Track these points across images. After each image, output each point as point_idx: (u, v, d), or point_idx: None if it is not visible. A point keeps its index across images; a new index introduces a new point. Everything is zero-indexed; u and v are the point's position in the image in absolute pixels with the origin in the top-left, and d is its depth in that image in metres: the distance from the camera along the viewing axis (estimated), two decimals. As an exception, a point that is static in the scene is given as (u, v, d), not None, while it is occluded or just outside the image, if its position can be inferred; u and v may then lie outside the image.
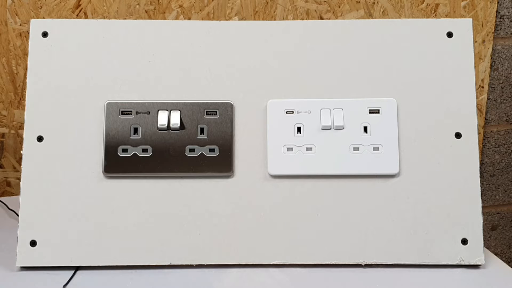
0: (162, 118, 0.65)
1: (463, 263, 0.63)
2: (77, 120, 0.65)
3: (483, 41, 1.01)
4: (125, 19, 0.91)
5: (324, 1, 0.95)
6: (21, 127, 0.96)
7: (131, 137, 0.65)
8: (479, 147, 1.06)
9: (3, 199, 0.86)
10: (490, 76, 1.04)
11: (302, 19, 0.95)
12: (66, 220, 0.63)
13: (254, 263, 0.63)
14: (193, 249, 0.63)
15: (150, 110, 0.65)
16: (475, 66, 0.73)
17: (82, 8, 0.90)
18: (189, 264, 0.63)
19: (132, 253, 0.63)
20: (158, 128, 0.65)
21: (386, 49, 0.67)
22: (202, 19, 0.93)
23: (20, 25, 0.90)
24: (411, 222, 0.64)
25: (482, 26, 1.00)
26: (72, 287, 0.60)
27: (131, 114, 0.65)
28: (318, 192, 0.64)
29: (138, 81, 0.66)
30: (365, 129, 0.65)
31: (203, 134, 0.65)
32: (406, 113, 0.65)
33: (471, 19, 0.67)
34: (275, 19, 0.95)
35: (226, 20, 0.92)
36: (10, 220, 0.79)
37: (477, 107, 1.04)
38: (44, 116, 0.65)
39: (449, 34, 0.67)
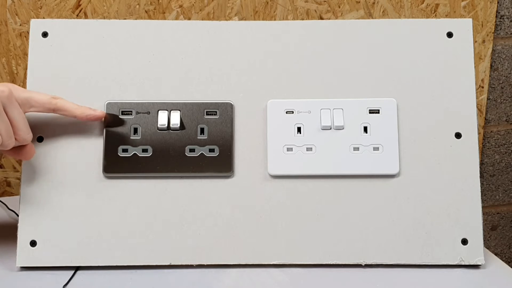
0: (162, 118, 0.65)
1: (463, 263, 0.63)
2: (77, 120, 0.65)
3: (483, 41, 1.01)
4: (125, 19, 0.91)
5: (324, 1, 0.95)
6: (21, 127, 0.96)
7: (131, 137, 0.65)
8: (479, 147, 1.06)
9: (3, 199, 0.86)
10: (490, 76, 1.04)
11: (302, 19, 0.95)
12: (66, 220, 0.63)
13: (254, 263, 0.63)
14: (193, 249, 0.63)
15: (150, 110, 0.65)
16: (475, 66, 0.73)
17: (82, 8, 0.90)
18: (189, 264, 0.63)
19: (132, 253, 0.63)
20: (158, 128, 0.65)
21: (386, 49, 0.67)
22: (202, 19, 0.93)
23: (20, 25, 0.90)
24: (411, 222, 0.64)
25: (482, 26, 1.00)
26: (72, 287, 0.60)
27: (131, 114, 0.65)
28: (318, 192, 0.64)
29: (138, 81, 0.66)
30: (365, 129, 0.65)
31: (203, 134, 0.65)
32: (406, 113, 0.65)
33: (471, 19, 0.67)
34: (275, 19, 0.95)
35: (226, 20, 0.92)
36: (10, 220, 0.79)
37: (477, 107, 1.04)
38: (44, 116, 0.64)
39: (449, 34, 0.67)
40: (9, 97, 0.57)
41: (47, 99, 0.61)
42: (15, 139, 0.58)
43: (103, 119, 0.64)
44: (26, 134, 0.59)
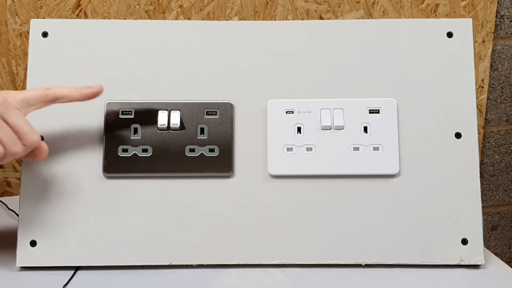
0: (162, 118, 0.65)
1: (463, 263, 0.63)
2: (77, 120, 0.65)
3: (483, 41, 1.01)
4: (125, 19, 0.91)
5: (324, 1, 0.95)
6: (21, 127, 0.95)
7: (131, 137, 0.65)
8: (479, 147, 1.06)
9: (3, 199, 0.86)
10: (490, 76, 1.04)
11: (302, 19, 0.95)
12: (66, 220, 0.63)
13: (254, 263, 0.63)
14: (193, 249, 0.63)
15: (150, 110, 0.65)
16: (475, 66, 0.73)
17: (82, 8, 0.90)
18: (189, 264, 0.63)
19: (132, 253, 0.63)
20: (158, 128, 0.65)
21: (386, 49, 0.66)
22: (202, 19, 0.93)
23: (20, 25, 0.90)
24: (411, 222, 0.64)
25: (482, 26, 1.00)
26: (72, 287, 0.60)
27: (131, 114, 0.65)
28: (318, 192, 0.64)
29: (138, 81, 0.66)
30: (365, 129, 0.65)
31: (203, 134, 0.65)
32: (406, 113, 0.65)
33: (471, 19, 0.67)
34: (275, 19, 0.95)
35: (226, 20, 0.92)
36: (10, 220, 0.79)
37: (477, 107, 1.04)
38: (44, 116, 0.64)
39: (449, 34, 0.67)
40: (4, 104, 0.55)
41: (41, 92, 0.58)
42: (23, 144, 0.56)
43: (101, 93, 0.61)
44: (32, 136, 0.56)
